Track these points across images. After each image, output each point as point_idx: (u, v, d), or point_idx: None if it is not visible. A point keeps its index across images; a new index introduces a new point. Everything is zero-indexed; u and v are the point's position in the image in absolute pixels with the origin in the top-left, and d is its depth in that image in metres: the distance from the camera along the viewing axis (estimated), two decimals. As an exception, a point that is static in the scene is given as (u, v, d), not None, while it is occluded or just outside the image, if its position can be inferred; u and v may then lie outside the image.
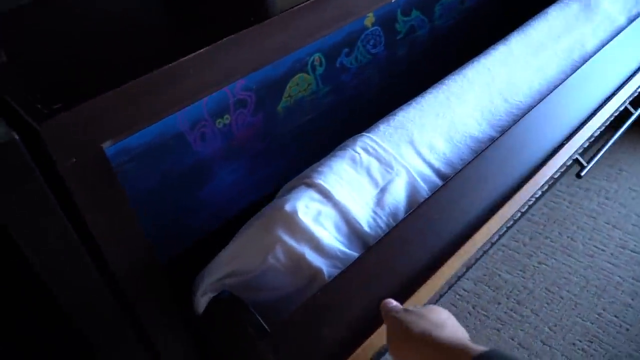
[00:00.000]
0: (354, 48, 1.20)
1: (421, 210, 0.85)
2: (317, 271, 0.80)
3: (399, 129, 0.99)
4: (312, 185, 0.88)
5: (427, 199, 0.87)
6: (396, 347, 0.67)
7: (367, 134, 0.98)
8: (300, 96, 1.14)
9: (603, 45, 1.21)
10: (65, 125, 0.62)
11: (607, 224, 1.79)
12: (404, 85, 1.37)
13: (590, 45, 1.24)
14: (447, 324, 0.65)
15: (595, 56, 1.16)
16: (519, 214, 0.90)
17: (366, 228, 0.86)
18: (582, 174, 1.09)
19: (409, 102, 1.06)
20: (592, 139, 1.06)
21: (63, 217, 0.67)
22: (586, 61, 1.16)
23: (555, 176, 0.97)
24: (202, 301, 0.82)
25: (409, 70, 1.39)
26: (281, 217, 0.82)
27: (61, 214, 0.67)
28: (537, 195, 0.92)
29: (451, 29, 1.46)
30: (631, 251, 1.70)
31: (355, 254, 0.83)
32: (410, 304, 0.79)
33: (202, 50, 0.71)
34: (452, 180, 0.89)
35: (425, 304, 0.79)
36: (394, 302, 0.73)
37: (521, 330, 1.51)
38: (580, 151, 1.03)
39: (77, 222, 0.68)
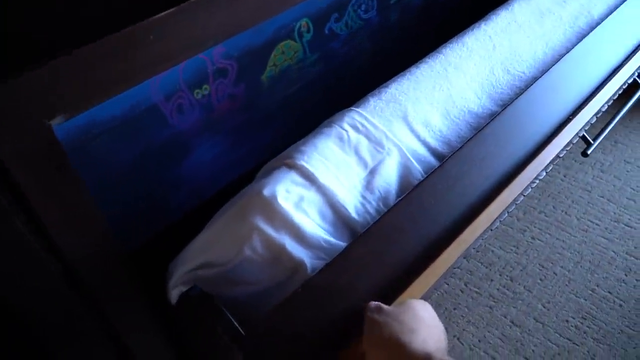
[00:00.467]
0: (344, 13, 1.09)
1: (415, 194, 0.73)
2: (298, 263, 0.69)
3: (391, 102, 0.87)
4: (293, 167, 0.76)
5: (421, 182, 0.76)
6: (368, 348, 0.63)
7: (356, 109, 0.86)
8: (286, 65, 1.04)
9: (610, 12, 1.09)
10: (1, 100, 0.52)
11: (602, 197, 1.70)
12: (397, 53, 1.28)
13: (597, 11, 1.11)
14: (421, 328, 0.62)
15: (602, 24, 1.04)
16: (522, 197, 0.79)
17: (354, 214, 0.75)
18: (589, 152, 0.98)
19: (402, 73, 0.94)
20: (600, 113, 0.95)
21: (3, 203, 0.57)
22: (593, 29, 1.04)
23: (561, 155, 0.86)
24: (173, 294, 0.72)
25: (403, 36, 1.28)
26: (259, 203, 0.71)
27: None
28: (541, 177, 0.81)
29: (448, -7, 1.34)
30: (625, 225, 1.62)
31: (342, 244, 0.72)
32: (403, 299, 0.69)
33: (168, 10, 0.60)
34: (448, 161, 0.78)
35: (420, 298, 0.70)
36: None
37: (514, 307, 1.43)
38: (587, 127, 0.92)
39: (24, 208, 0.58)
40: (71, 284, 0.65)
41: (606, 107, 0.96)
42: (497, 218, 0.76)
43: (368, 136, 0.82)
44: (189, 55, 0.67)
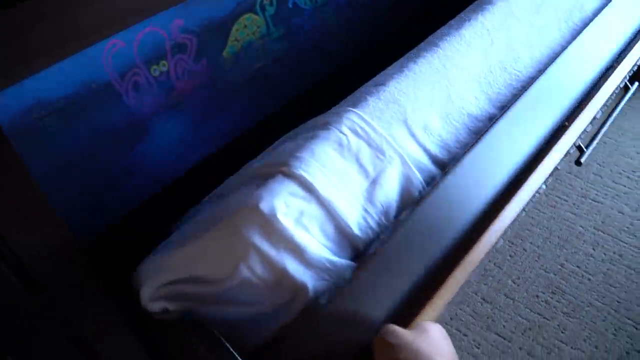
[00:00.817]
0: (308, -14, 1.04)
1: (419, 212, 0.69)
2: (300, 287, 0.64)
3: (390, 103, 0.80)
4: (291, 176, 0.69)
5: (424, 197, 0.71)
6: None
7: (354, 110, 0.78)
8: (248, 40, 0.99)
9: (603, 6, 1.06)
10: None
11: (569, 173, 1.73)
12: (365, 30, 1.22)
13: (590, 6, 1.07)
14: (438, 356, 0.58)
15: (594, 21, 1.01)
16: (523, 213, 0.77)
17: (356, 231, 0.69)
18: (582, 160, 0.96)
19: (399, 69, 0.87)
20: (594, 120, 0.93)
21: None
22: (586, 24, 1.00)
23: (559, 167, 0.84)
24: (153, 307, 0.65)
25: (371, 13, 1.21)
26: (257, 219, 0.64)
27: None
28: (541, 190, 0.79)
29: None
30: (592, 200, 1.65)
31: (346, 263, 0.67)
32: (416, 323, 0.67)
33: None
34: (450, 175, 0.73)
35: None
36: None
37: (485, 284, 1.46)
38: (582, 135, 0.90)
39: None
40: (25, 281, 0.60)
41: (600, 113, 0.94)
42: (501, 236, 0.74)
43: (369, 142, 0.76)
44: (137, 19, 0.60)
